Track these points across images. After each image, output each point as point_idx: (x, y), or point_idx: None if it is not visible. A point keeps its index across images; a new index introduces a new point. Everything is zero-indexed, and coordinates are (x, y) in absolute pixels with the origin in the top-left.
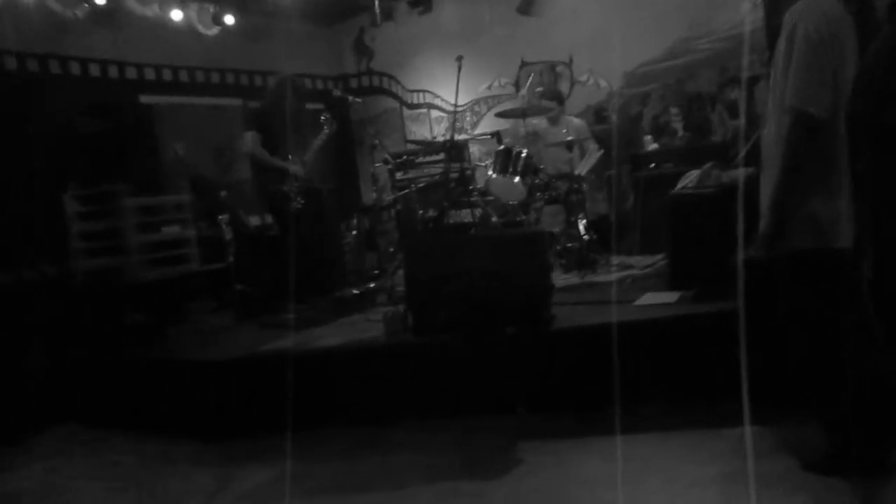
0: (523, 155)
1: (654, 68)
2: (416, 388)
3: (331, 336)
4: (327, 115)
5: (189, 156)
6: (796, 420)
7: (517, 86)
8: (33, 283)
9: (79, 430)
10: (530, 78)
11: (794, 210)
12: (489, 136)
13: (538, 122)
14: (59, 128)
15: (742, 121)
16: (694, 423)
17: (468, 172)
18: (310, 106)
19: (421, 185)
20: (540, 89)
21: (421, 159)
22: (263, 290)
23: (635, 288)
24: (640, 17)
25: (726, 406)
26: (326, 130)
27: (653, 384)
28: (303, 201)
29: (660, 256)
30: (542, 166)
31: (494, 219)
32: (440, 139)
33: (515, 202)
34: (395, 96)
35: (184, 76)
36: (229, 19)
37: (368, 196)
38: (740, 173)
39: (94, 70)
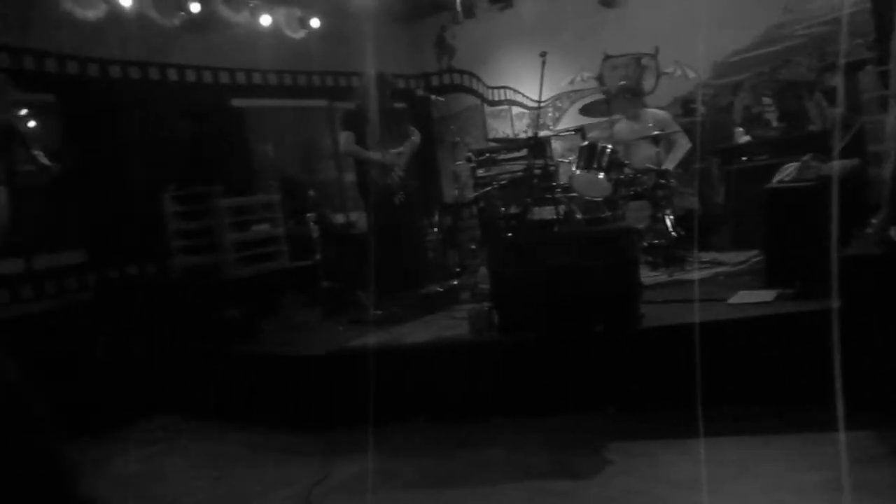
0: (608, 150)
1: (746, 57)
2: (503, 386)
3: (417, 333)
4: (413, 128)
5: (277, 157)
6: None
7: (600, 80)
8: (136, 278)
9: (177, 421)
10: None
11: None
12: (573, 132)
13: (620, 118)
14: (159, 132)
15: (842, 109)
16: (796, 426)
17: (551, 169)
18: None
19: (503, 182)
20: (623, 83)
21: (503, 156)
22: (350, 286)
23: (727, 286)
24: (729, 3)
25: (831, 410)
26: (415, 140)
27: (749, 385)
28: (403, 196)
29: (753, 253)
30: (627, 161)
31: (578, 215)
32: (522, 136)
33: (599, 198)
34: (476, 93)
35: (272, 79)
36: (315, 22)
37: (450, 194)
38: (842, 164)
39: (190, 76)
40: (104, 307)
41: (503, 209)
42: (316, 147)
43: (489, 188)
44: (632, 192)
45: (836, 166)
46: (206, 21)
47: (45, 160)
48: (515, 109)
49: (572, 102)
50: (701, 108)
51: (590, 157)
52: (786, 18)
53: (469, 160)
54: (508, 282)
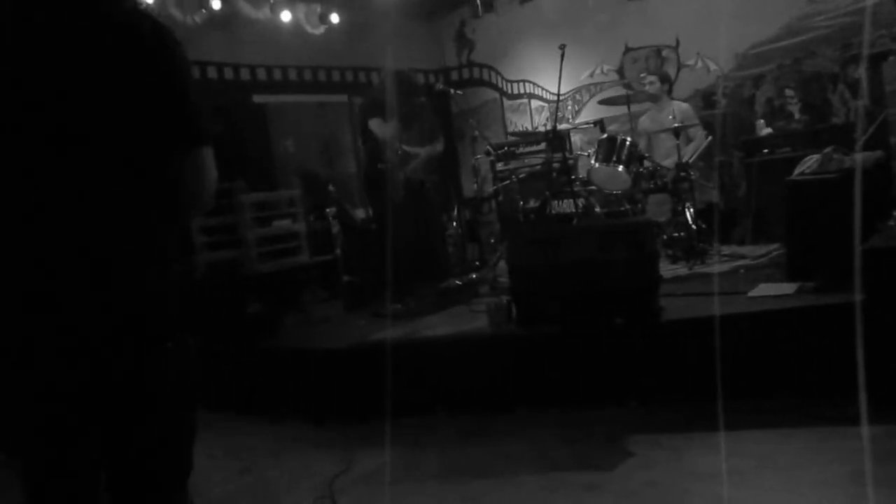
0: (627, 143)
1: (769, 48)
2: (523, 379)
3: (437, 326)
4: (441, 136)
5: (298, 152)
6: None
7: (621, 72)
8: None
9: (203, 414)
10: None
11: None
12: (592, 125)
13: (641, 109)
14: None
15: (865, 101)
16: (818, 420)
17: (570, 162)
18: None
19: (522, 175)
20: (643, 75)
21: (522, 150)
22: (370, 280)
23: (748, 279)
24: None
25: (852, 403)
26: (438, 147)
27: (770, 378)
28: (404, 194)
29: (774, 246)
30: (647, 154)
31: (597, 209)
32: (541, 129)
33: (619, 191)
34: (496, 87)
35: (293, 75)
36: (334, 18)
37: (469, 187)
38: (865, 157)
39: (212, 72)
40: None
41: (522, 203)
42: (336, 142)
43: (508, 182)
44: (652, 185)
45: (859, 158)
46: (227, 18)
47: None
48: (535, 103)
49: (592, 95)
50: (722, 101)
51: (609, 150)
52: (809, 9)
53: (488, 154)
54: (528, 275)
